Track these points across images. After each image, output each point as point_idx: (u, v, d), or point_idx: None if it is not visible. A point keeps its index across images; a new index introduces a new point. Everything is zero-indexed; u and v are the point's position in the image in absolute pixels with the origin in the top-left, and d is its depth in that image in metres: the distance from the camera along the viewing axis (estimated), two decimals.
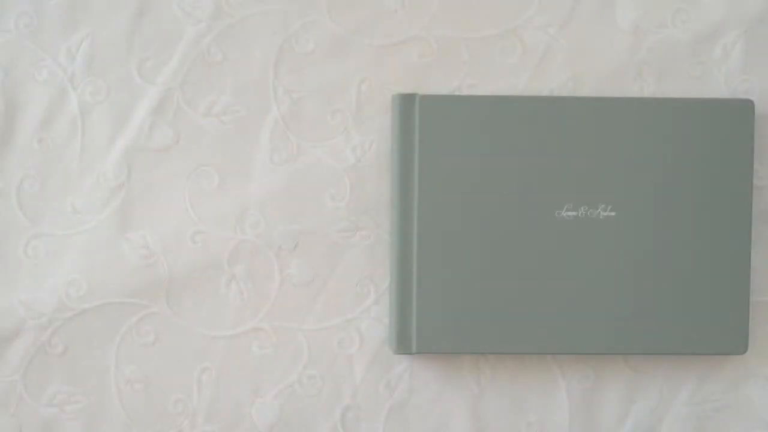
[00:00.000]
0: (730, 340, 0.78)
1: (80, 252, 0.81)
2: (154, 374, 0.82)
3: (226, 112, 0.82)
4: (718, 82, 0.81)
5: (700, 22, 0.81)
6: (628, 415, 0.82)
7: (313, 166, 0.81)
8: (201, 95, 0.81)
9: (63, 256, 0.81)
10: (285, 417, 0.82)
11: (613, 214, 0.78)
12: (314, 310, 0.82)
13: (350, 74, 0.81)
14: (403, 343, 0.79)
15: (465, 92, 0.81)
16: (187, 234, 0.81)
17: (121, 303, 0.81)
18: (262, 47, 0.81)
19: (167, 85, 0.81)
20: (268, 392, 0.82)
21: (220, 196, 0.82)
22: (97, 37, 0.81)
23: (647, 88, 0.81)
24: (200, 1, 0.81)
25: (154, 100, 0.81)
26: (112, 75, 0.81)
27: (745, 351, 0.78)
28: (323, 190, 0.81)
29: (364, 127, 0.81)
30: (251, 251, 0.81)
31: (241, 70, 0.81)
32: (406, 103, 0.78)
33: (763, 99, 0.81)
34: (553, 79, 0.81)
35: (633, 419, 0.82)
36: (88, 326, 0.81)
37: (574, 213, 0.78)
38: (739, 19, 0.81)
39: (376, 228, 0.81)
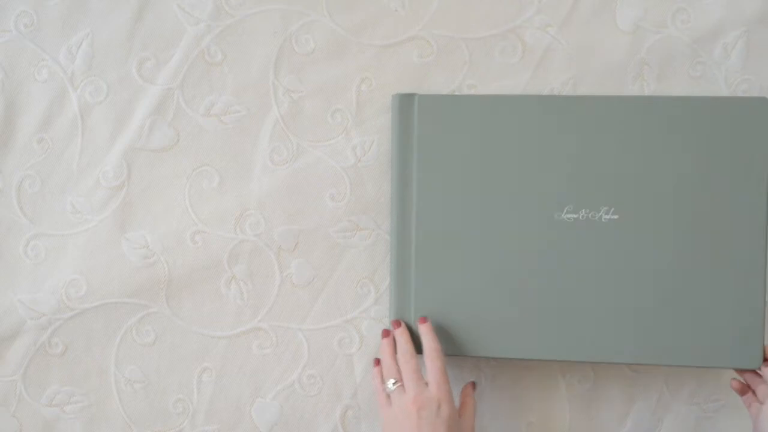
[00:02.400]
0: (743, 354, 0.74)
1: (80, 252, 0.81)
2: (154, 374, 0.82)
3: (226, 112, 0.82)
4: (718, 82, 0.81)
5: (700, 22, 0.81)
6: (628, 415, 0.82)
7: (313, 166, 0.81)
8: (201, 95, 0.81)
9: (63, 256, 0.81)
10: (285, 417, 0.82)
11: (615, 217, 0.76)
12: (314, 310, 0.82)
13: (350, 74, 0.81)
14: None
15: (465, 92, 0.81)
16: (187, 234, 0.81)
17: (121, 303, 0.81)
18: (262, 47, 0.81)
19: (167, 85, 0.81)
20: (268, 392, 0.82)
21: (220, 196, 0.82)
22: (97, 37, 0.81)
23: (647, 88, 0.81)
24: (200, 1, 0.81)
25: (154, 100, 0.81)
26: (112, 75, 0.81)
27: (759, 365, 0.74)
28: (323, 190, 0.81)
29: (364, 127, 0.81)
30: (251, 251, 0.81)
31: (241, 70, 0.81)
32: (406, 103, 0.78)
33: None
34: (553, 79, 0.81)
35: (633, 419, 0.82)
36: (88, 326, 0.81)
37: (574, 215, 0.77)
38: (739, 19, 0.81)
39: (376, 228, 0.81)
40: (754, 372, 0.74)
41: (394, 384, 0.72)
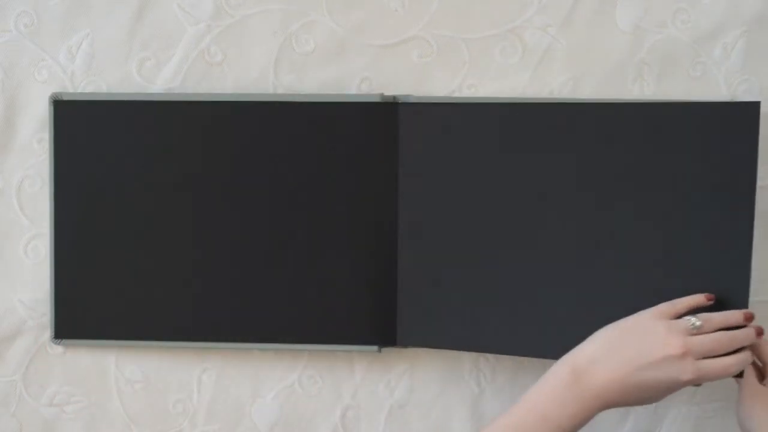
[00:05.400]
0: None
1: None
2: (154, 374, 0.82)
3: None
4: (718, 82, 0.81)
5: (700, 22, 0.81)
6: (628, 415, 0.82)
7: None
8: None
9: None
10: (285, 417, 0.82)
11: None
12: None
13: (350, 74, 0.81)
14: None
15: (465, 92, 0.81)
16: None
17: None
18: (262, 47, 0.81)
19: (167, 85, 0.81)
20: (268, 392, 0.82)
21: None
22: (97, 37, 0.81)
23: (647, 88, 0.81)
24: (200, 1, 0.81)
25: None
26: (112, 75, 0.81)
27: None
28: None
29: None
30: None
31: (241, 70, 0.81)
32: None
33: (763, 99, 0.80)
34: (552, 80, 0.81)
35: (633, 419, 0.82)
36: None
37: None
38: (739, 19, 0.81)
39: None
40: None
41: None
